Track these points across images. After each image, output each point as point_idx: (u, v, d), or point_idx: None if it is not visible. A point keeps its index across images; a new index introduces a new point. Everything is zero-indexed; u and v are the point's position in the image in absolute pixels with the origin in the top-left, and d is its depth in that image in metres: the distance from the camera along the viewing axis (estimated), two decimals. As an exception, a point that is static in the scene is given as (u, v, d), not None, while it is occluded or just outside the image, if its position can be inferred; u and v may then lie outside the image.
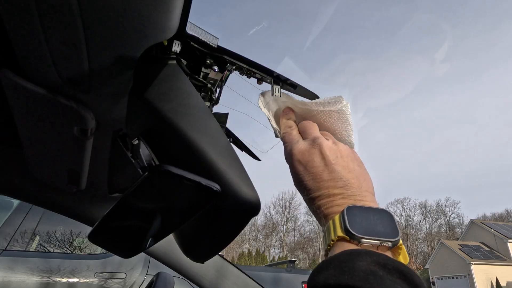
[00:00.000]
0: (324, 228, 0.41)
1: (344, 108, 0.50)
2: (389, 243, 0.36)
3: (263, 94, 0.55)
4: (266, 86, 0.58)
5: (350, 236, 0.36)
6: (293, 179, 0.47)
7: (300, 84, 0.57)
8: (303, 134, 0.50)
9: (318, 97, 0.59)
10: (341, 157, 0.44)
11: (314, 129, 0.49)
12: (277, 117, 0.56)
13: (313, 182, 0.43)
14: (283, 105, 0.55)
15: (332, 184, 0.42)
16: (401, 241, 0.37)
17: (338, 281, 0.31)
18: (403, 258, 0.38)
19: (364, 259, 0.32)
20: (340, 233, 0.37)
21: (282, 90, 0.56)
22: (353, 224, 0.36)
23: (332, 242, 0.37)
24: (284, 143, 0.50)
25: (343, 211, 0.38)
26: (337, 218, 0.38)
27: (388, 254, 0.36)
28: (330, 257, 0.34)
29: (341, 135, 0.52)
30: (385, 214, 0.38)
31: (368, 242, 0.35)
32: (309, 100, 0.53)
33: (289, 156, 0.47)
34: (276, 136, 0.55)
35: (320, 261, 0.36)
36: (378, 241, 0.35)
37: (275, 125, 0.54)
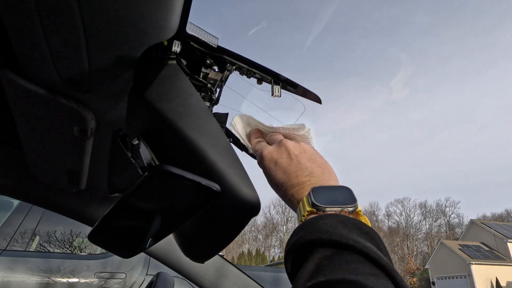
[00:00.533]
0: (297, 211, 0.46)
1: (306, 134, 0.57)
2: (349, 208, 0.42)
3: (235, 118, 0.61)
4: (266, 86, 0.58)
5: (316, 208, 0.42)
6: (267, 179, 0.52)
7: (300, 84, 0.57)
8: (270, 141, 0.57)
9: (318, 97, 0.59)
10: (304, 151, 0.51)
11: (278, 135, 0.57)
12: (248, 138, 0.63)
13: (283, 175, 0.49)
14: (254, 127, 0.62)
15: (300, 173, 0.48)
16: (359, 207, 0.43)
17: (305, 238, 0.37)
18: (364, 221, 0.43)
19: (326, 219, 0.39)
20: (308, 208, 0.43)
21: (282, 91, 0.56)
22: (318, 199, 0.43)
23: (303, 217, 0.43)
24: (256, 151, 0.57)
25: (309, 191, 0.44)
26: (305, 198, 0.45)
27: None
28: (301, 224, 0.41)
29: None
30: (344, 189, 0.45)
31: (331, 210, 0.42)
32: (276, 125, 0.59)
33: (261, 159, 0.53)
34: (248, 153, 0.61)
35: None
36: (339, 208, 0.42)
37: (246, 142, 0.61)
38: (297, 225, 0.43)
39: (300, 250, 0.38)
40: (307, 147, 0.53)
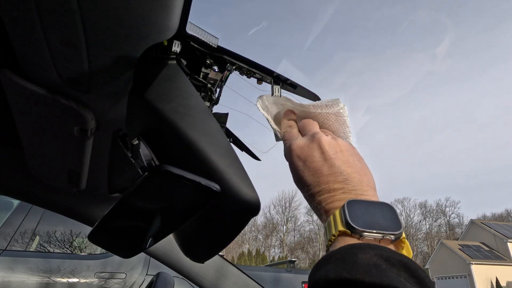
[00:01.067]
0: (325, 224, 0.40)
1: (341, 111, 0.51)
2: (392, 236, 0.35)
3: (261, 97, 0.56)
4: (266, 86, 0.58)
5: (351, 230, 0.35)
6: (293, 176, 0.46)
7: (300, 84, 0.57)
8: (302, 131, 0.50)
9: (318, 97, 0.59)
10: (340, 151, 0.44)
11: (313, 126, 0.49)
12: (276, 119, 0.57)
13: (312, 177, 0.43)
14: (283, 107, 0.56)
15: (332, 179, 0.41)
16: (404, 235, 0.36)
17: (339, 275, 0.30)
18: (407, 251, 0.37)
19: (366, 252, 0.31)
20: (341, 227, 0.36)
21: (282, 91, 0.56)
22: (354, 218, 0.35)
23: (333, 237, 0.37)
24: (284, 140, 0.50)
25: (343, 206, 0.37)
26: (337, 212, 0.38)
27: (391, 247, 0.35)
28: (331, 252, 0.34)
29: (339, 136, 0.53)
30: (386, 207, 0.37)
31: (370, 235, 0.35)
32: (307, 102, 0.53)
33: (288, 152, 0.47)
34: (277, 138, 0.55)
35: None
36: (380, 235, 0.35)
37: (275, 126, 0.55)
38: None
39: (331, 286, 0.30)
40: (345, 146, 0.45)
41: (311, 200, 0.43)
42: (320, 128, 0.51)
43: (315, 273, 0.33)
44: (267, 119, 0.55)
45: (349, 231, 0.35)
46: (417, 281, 0.30)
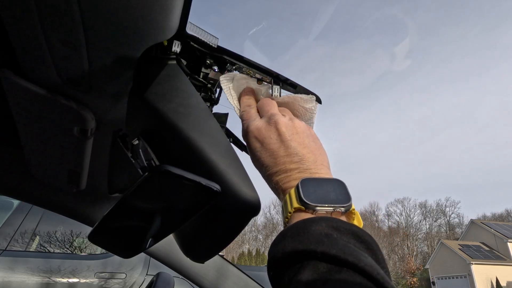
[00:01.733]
0: (282, 203, 0.42)
1: (313, 108, 0.52)
2: (342, 208, 0.38)
3: (228, 73, 0.55)
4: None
5: (305, 206, 0.37)
6: (251, 157, 0.48)
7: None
8: (260, 111, 0.51)
9: (319, 98, 0.59)
10: (296, 133, 0.45)
11: (271, 106, 0.50)
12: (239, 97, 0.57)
13: (270, 158, 0.44)
14: (246, 85, 0.56)
15: (288, 160, 0.43)
16: (353, 206, 0.39)
17: (294, 248, 0.32)
18: (357, 222, 0.40)
19: (319, 224, 0.34)
20: (296, 204, 0.38)
21: (282, 91, 0.56)
22: (307, 194, 0.38)
23: (289, 214, 0.39)
24: (242, 120, 0.51)
25: (297, 184, 0.39)
26: (292, 191, 0.40)
27: (343, 219, 0.38)
28: (286, 228, 0.36)
29: None
30: (337, 182, 0.40)
31: (322, 209, 0.37)
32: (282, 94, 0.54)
33: (246, 134, 0.48)
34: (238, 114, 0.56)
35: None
36: (331, 208, 0.37)
37: (236, 103, 0.55)
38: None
39: (288, 259, 0.33)
40: (302, 127, 0.47)
41: (269, 181, 0.45)
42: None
43: (273, 248, 0.35)
44: (228, 96, 0.55)
45: (303, 207, 0.38)
46: (365, 246, 0.33)
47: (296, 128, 0.46)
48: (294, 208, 0.38)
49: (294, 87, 0.58)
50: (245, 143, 0.49)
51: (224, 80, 0.54)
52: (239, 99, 0.55)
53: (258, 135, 0.46)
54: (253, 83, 0.55)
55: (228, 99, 0.55)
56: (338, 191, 0.39)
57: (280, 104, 0.53)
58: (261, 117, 0.49)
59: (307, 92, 0.59)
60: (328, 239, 0.32)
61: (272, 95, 0.55)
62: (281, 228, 0.41)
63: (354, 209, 0.39)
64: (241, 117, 0.52)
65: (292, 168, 0.43)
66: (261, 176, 0.48)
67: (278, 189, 0.44)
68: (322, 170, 0.43)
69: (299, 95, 0.53)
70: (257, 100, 0.54)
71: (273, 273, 0.34)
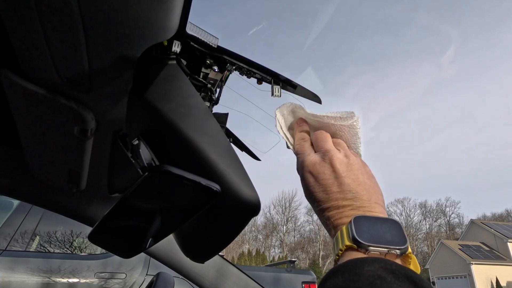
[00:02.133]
0: (333, 240, 0.41)
1: (355, 123, 0.52)
2: (397, 250, 0.35)
3: (280, 108, 0.55)
4: (266, 86, 0.58)
5: (357, 245, 0.36)
6: (304, 190, 0.47)
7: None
8: (315, 145, 0.50)
9: (318, 97, 0.59)
10: (351, 170, 0.45)
11: (326, 141, 0.49)
12: (291, 129, 0.57)
13: (323, 194, 0.44)
14: (295, 116, 0.56)
15: (341, 196, 0.43)
16: (410, 249, 0.36)
17: (345, 287, 0.30)
18: (414, 267, 0.37)
19: (372, 265, 0.32)
20: (347, 242, 0.37)
21: (283, 91, 0.56)
22: (360, 233, 0.36)
23: (340, 252, 0.37)
24: (297, 154, 0.51)
25: (350, 221, 0.38)
26: (344, 228, 0.39)
27: (398, 262, 0.35)
28: (337, 265, 0.34)
29: (349, 147, 0.53)
30: (392, 223, 0.38)
31: (376, 250, 0.35)
32: (322, 114, 0.53)
33: (301, 168, 0.48)
34: (288, 147, 0.56)
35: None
36: (385, 249, 0.35)
37: (287, 135, 0.55)
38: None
39: None
40: (356, 164, 0.46)
41: (321, 215, 0.44)
42: (332, 137, 0.51)
43: (323, 285, 0.33)
44: (280, 128, 0.55)
45: (355, 246, 0.36)
46: None
47: (351, 164, 0.46)
48: (346, 246, 0.37)
49: (294, 87, 0.58)
50: (299, 177, 0.49)
51: (278, 114, 0.54)
52: (290, 130, 0.55)
53: (312, 170, 0.46)
54: (303, 112, 0.55)
55: (279, 131, 0.55)
56: (394, 232, 0.37)
57: (321, 127, 0.53)
58: (316, 152, 0.49)
59: (307, 92, 0.59)
60: (381, 282, 0.30)
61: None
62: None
63: (410, 253, 0.37)
64: (295, 151, 0.52)
65: (345, 205, 0.42)
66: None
67: (330, 225, 0.43)
68: (377, 208, 0.42)
69: (337, 114, 0.52)
70: (312, 129, 0.54)
71: None
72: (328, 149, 0.48)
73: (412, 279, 0.31)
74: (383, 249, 0.35)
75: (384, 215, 0.41)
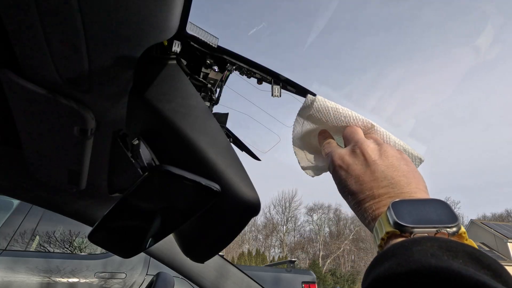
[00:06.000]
0: (373, 233, 0.36)
1: (421, 157, 0.47)
2: (448, 229, 0.30)
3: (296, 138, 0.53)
4: (266, 86, 0.58)
5: (400, 229, 0.31)
6: (337, 187, 0.44)
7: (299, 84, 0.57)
8: (345, 140, 0.48)
9: (313, 94, 0.59)
10: (385, 157, 0.41)
11: (356, 133, 0.46)
12: (307, 141, 0.54)
13: (355, 185, 0.40)
14: (316, 130, 0.53)
15: (375, 184, 0.39)
16: (463, 229, 0.31)
17: (393, 271, 0.25)
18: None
19: (422, 244, 0.27)
20: (388, 228, 0.32)
21: (284, 92, 0.56)
22: (401, 216, 0.32)
23: (382, 241, 0.33)
24: (325, 155, 0.48)
25: (388, 207, 0.34)
26: (383, 216, 0.34)
27: None
28: (382, 251, 0.30)
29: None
30: (437, 202, 0.33)
31: (422, 231, 0.30)
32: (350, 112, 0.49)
33: (331, 164, 0.44)
34: (301, 163, 0.54)
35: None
36: (434, 229, 0.30)
37: (301, 154, 0.53)
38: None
39: (385, 285, 0.26)
40: (391, 151, 0.42)
41: (358, 210, 0.40)
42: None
43: (367, 276, 0.29)
44: (295, 149, 0.53)
45: (398, 231, 0.31)
46: (492, 273, 0.24)
47: (384, 151, 0.42)
48: (387, 233, 0.32)
49: (294, 87, 0.58)
50: (330, 173, 0.45)
51: (296, 140, 0.53)
52: (308, 146, 0.53)
53: (342, 163, 0.43)
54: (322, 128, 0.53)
55: (295, 152, 0.53)
56: (440, 211, 0.32)
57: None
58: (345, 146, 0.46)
59: (306, 92, 0.59)
60: (436, 261, 0.24)
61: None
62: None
63: (465, 233, 0.31)
64: (324, 153, 0.49)
65: (381, 193, 0.38)
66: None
67: (368, 218, 0.38)
68: (418, 193, 0.37)
69: (405, 146, 0.48)
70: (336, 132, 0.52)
71: None
72: (357, 139, 0.44)
73: (474, 256, 0.25)
74: (431, 229, 0.30)
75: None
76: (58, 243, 2.55)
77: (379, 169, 0.40)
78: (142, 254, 1.75)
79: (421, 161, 0.49)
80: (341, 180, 0.42)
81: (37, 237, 2.49)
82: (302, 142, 0.54)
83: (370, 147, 0.42)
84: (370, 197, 0.38)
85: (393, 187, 0.38)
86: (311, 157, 0.54)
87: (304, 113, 0.52)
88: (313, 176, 0.54)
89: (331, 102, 0.50)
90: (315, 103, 0.50)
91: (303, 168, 0.54)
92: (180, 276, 1.01)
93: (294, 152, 0.54)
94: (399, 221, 0.31)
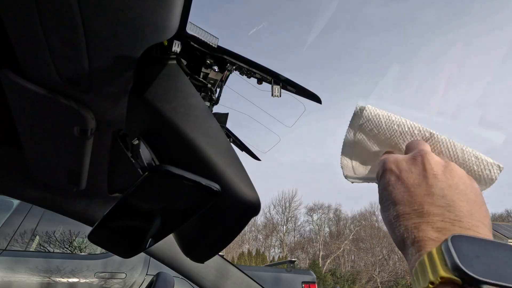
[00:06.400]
0: (411, 261, 0.29)
1: (493, 177, 0.40)
2: None
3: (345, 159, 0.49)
4: (266, 86, 0.58)
5: (462, 279, 0.24)
6: (380, 193, 0.37)
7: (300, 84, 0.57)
8: (407, 150, 0.41)
9: (318, 97, 0.59)
10: (450, 174, 0.33)
11: (422, 144, 0.39)
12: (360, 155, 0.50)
13: (403, 194, 0.33)
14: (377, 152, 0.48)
15: (428, 200, 0.31)
16: None
17: None
18: None
19: None
20: (443, 272, 0.24)
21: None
22: (466, 261, 0.24)
23: (431, 286, 0.25)
24: (380, 161, 0.41)
25: (446, 240, 0.26)
26: (435, 250, 0.26)
27: None
28: None
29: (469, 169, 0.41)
30: None
31: None
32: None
33: (381, 167, 0.38)
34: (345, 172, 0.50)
35: None
36: None
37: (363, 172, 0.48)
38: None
39: None
40: (458, 171, 0.34)
41: (395, 224, 0.33)
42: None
43: None
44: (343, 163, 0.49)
45: (458, 280, 0.24)
46: None
47: (450, 170, 0.34)
48: (441, 278, 0.24)
49: (294, 87, 0.58)
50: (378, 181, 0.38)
51: (346, 149, 0.49)
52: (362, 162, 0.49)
53: (395, 168, 0.36)
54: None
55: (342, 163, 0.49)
56: None
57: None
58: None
59: (307, 92, 0.59)
60: None
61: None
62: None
63: None
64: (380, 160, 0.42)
65: (432, 213, 0.30)
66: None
67: (407, 239, 0.30)
68: (481, 228, 0.29)
69: (477, 154, 0.41)
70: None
71: None
72: (422, 148, 0.37)
73: None
74: None
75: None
76: (58, 243, 2.55)
77: (438, 185, 0.32)
78: (142, 254, 1.75)
79: (499, 168, 0.42)
80: (387, 186, 0.35)
81: (37, 237, 2.49)
82: (352, 152, 0.50)
83: (434, 159, 0.35)
84: (417, 213, 0.31)
85: (450, 210, 0.30)
86: (358, 166, 0.50)
87: (355, 123, 0.48)
88: (352, 182, 0.51)
89: (382, 111, 0.46)
90: (364, 111, 0.46)
91: (346, 177, 0.50)
92: (180, 276, 1.01)
93: (340, 161, 0.51)
94: (464, 268, 0.23)
